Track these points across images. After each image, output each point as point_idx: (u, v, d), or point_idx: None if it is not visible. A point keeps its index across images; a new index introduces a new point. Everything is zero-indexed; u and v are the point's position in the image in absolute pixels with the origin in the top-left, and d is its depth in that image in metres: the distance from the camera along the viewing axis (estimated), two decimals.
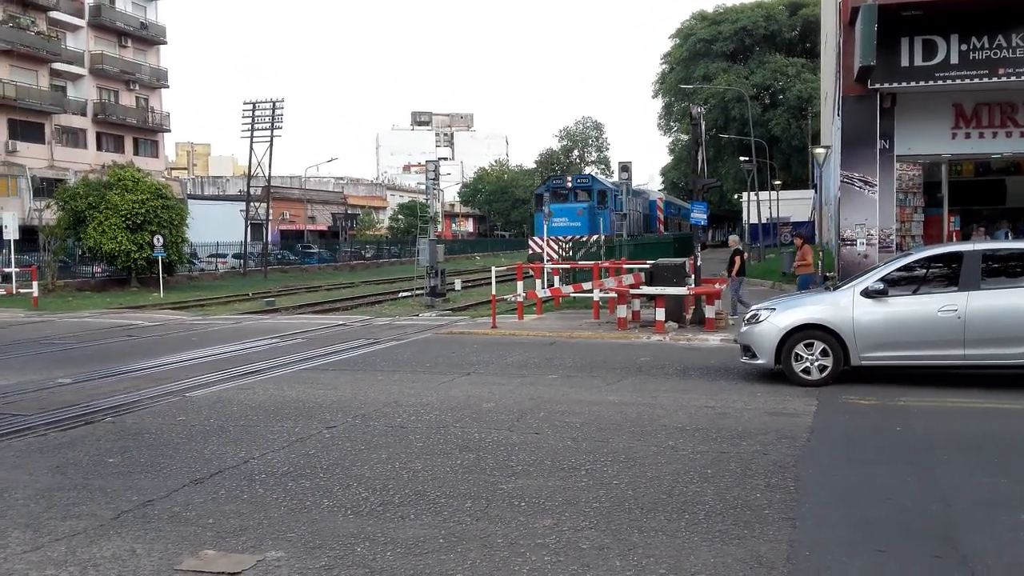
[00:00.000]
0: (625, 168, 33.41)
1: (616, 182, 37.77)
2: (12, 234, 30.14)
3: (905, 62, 16.90)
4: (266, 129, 51.92)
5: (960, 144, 17.93)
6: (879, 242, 17.53)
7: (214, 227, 50.56)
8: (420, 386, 11.31)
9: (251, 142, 52.46)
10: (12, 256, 31.41)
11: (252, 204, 54.53)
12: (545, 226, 28.04)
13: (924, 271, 10.95)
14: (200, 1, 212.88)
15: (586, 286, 19.84)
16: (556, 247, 31.93)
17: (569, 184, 36.80)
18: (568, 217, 33.63)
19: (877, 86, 17.09)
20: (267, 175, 53.33)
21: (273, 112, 51.67)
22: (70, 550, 5.47)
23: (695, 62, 75.54)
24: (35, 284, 28.38)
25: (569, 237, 33.20)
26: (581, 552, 5.29)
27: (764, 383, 11.08)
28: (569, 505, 6.20)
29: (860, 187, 17.56)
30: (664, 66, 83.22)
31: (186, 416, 9.62)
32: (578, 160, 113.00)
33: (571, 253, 32.12)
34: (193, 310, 26.98)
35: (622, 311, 17.42)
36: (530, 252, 33.96)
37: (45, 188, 49.19)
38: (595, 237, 32.22)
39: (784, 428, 8.50)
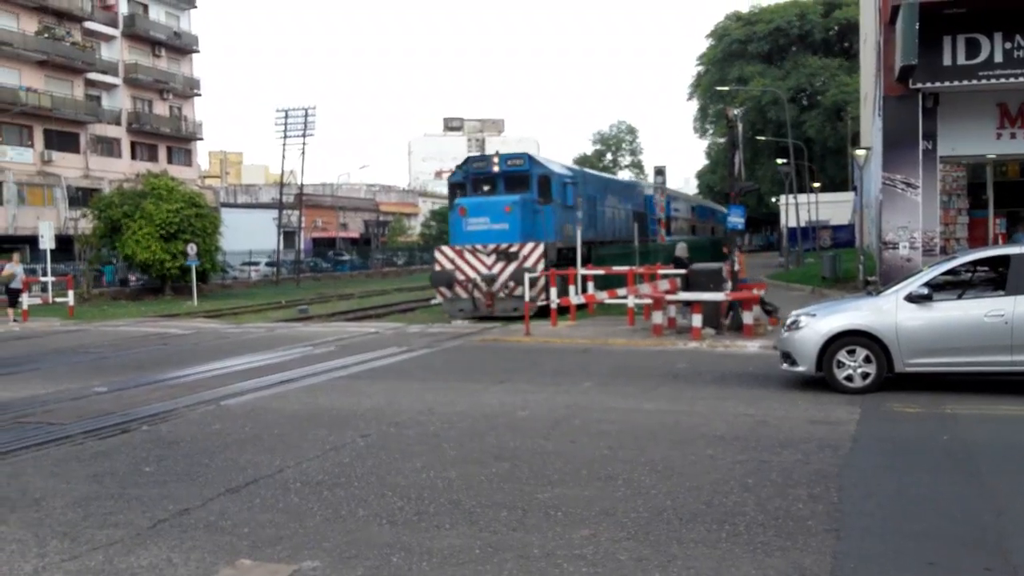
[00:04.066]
0: (660, 172, 33.32)
1: (572, 167, 29.16)
2: (48, 243, 30.48)
3: (948, 61, 16.62)
4: (298, 136, 52.34)
5: (1005, 144, 17.60)
6: (922, 245, 17.23)
7: (247, 235, 50.92)
8: (454, 394, 11.25)
9: (283, 149, 53.05)
10: (49, 265, 31.82)
11: (284, 212, 54.98)
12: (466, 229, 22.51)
13: (970, 275, 10.72)
14: (232, 10, 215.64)
15: (620, 292, 19.70)
16: (475, 261, 22.60)
17: (495, 168, 24.14)
18: (490, 216, 22.83)
19: (919, 86, 16.83)
20: (299, 183, 53.75)
21: (305, 120, 52.16)
22: (107, 559, 5.47)
23: (730, 63, 75.36)
24: (71, 293, 28.64)
25: (492, 246, 22.55)
26: (619, 564, 5.20)
27: (805, 391, 10.86)
28: (606, 515, 6.09)
29: (902, 189, 17.26)
30: (699, 67, 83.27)
31: (221, 425, 9.64)
32: (611, 163, 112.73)
33: (492, 271, 22.34)
34: (227, 318, 27.18)
35: (658, 317, 17.22)
36: (436, 268, 23.38)
37: (80, 197, 49.78)
38: (529, 247, 22.09)
39: (826, 437, 8.31)
